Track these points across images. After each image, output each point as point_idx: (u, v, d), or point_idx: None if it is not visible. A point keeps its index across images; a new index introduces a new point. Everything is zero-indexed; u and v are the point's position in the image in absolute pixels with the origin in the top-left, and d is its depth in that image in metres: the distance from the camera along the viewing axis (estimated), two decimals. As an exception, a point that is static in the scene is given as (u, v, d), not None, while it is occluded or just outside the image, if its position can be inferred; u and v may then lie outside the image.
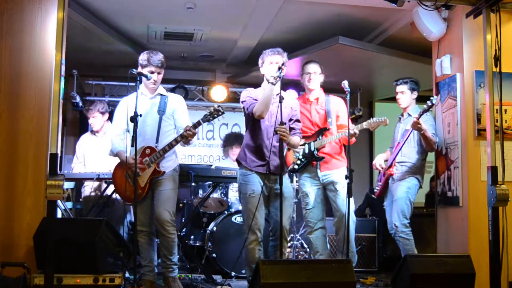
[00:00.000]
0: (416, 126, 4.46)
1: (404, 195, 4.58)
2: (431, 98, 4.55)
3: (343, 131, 4.46)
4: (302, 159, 4.60)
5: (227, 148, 6.63)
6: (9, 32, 4.01)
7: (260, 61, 4.27)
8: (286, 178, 4.21)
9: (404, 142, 4.64)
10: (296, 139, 4.21)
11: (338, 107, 4.69)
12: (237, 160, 4.25)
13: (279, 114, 3.84)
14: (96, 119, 5.49)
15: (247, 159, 4.13)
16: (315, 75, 4.64)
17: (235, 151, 6.40)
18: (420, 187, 4.75)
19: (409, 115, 4.78)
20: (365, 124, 4.52)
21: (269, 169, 4.08)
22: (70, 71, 6.47)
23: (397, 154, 4.69)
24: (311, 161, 4.58)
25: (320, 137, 4.59)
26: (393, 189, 4.70)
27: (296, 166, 4.63)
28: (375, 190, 4.93)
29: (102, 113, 5.50)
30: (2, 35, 4.00)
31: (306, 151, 4.59)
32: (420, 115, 4.47)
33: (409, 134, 4.61)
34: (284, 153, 4.68)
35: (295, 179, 5.59)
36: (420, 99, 4.94)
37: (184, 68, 7.79)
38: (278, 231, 3.89)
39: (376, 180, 4.98)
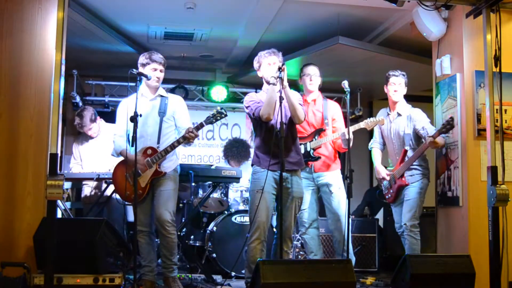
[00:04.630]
0: (435, 146, 4.44)
1: (417, 196, 4.55)
2: (449, 120, 4.37)
3: (339, 132, 4.56)
4: None
5: (228, 158, 6.65)
6: (9, 32, 4.02)
7: (256, 64, 4.24)
8: (299, 177, 4.16)
9: (420, 155, 4.54)
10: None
11: (334, 111, 4.81)
12: (252, 165, 4.21)
13: (281, 114, 3.81)
14: (93, 129, 5.48)
15: (260, 160, 4.09)
16: (315, 77, 4.74)
17: (233, 165, 6.46)
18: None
19: (399, 114, 4.69)
20: (362, 124, 4.60)
21: (281, 168, 4.01)
22: (70, 71, 6.47)
23: (410, 164, 4.56)
24: (307, 161, 4.60)
25: (316, 138, 4.65)
26: (404, 191, 4.65)
27: None
28: (387, 196, 4.80)
29: (94, 120, 5.46)
30: (2, 35, 4.01)
31: (302, 151, 4.59)
32: (437, 136, 4.37)
33: (425, 150, 4.51)
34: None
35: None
36: (419, 99, 4.96)
37: (184, 68, 7.78)
38: (280, 230, 3.87)
39: (384, 186, 4.83)
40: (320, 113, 4.73)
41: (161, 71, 4.22)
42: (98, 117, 5.55)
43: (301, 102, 4.17)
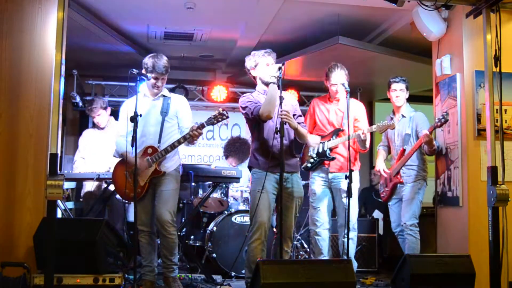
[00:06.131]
0: (428, 140, 4.47)
1: (415, 196, 4.61)
2: (444, 114, 4.47)
3: (357, 132, 4.44)
4: (315, 158, 4.62)
5: (229, 155, 6.65)
6: (9, 32, 4.01)
7: (252, 63, 4.22)
8: (298, 177, 4.17)
9: (415, 151, 4.61)
10: (304, 130, 4.14)
11: (358, 111, 4.70)
12: (249, 167, 4.18)
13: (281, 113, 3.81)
14: (101, 116, 5.56)
15: (259, 162, 4.06)
16: (341, 87, 4.54)
17: (232, 162, 6.45)
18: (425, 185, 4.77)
19: (403, 116, 4.80)
20: (374, 127, 4.53)
21: (281, 168, 4.00)
22: (70, 71, 6.47)
23: (405, 161, 4.65)
24: (323, 161, 4.60)
25: (334, 137, 4.61)
26: (402, 190, 4.70)
27: (309, 164, 4.65)
28: (382, 195, 4.91)
29: (105, 108, 5.60)
30: (2, 35, 4.00)
31: (320, 150, 4.61)
32: (432, 130, 4.49)
33: (419, 146, 4.58)
34: (302, 151, 4.72)
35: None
36: (419, 99, 4.96)
37: (184, 68, 7.79)
38: (280, 229, 3.86)
39: (380, 184, 4.95)
40: (342, 112, 4.65)
41: (162, 79, 4.20)
42: (108, 108, 5.65)
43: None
